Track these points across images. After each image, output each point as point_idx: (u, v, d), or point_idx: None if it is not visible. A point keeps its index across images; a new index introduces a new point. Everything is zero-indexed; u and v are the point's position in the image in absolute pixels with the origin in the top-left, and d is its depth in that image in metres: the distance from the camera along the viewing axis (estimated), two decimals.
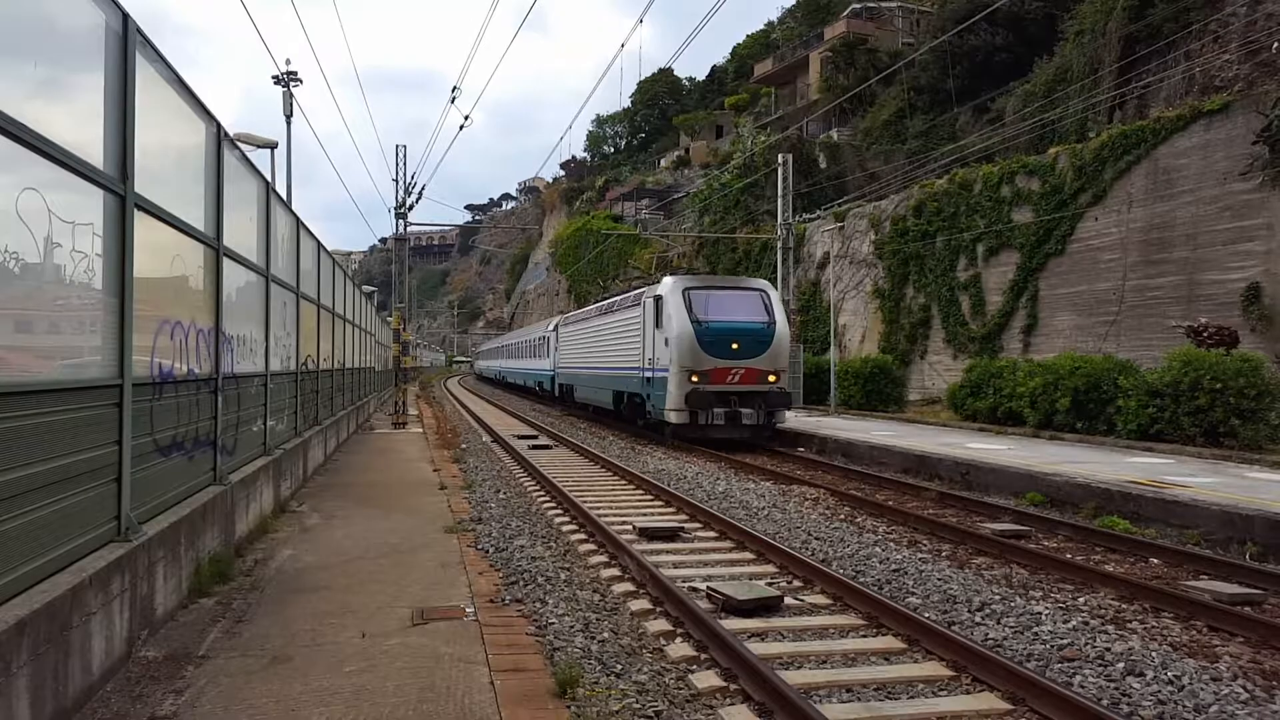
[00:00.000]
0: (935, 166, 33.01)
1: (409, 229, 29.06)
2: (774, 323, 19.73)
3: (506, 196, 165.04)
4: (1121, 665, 5.85)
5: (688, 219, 54.53)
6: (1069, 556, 9.04)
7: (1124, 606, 7.36)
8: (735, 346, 19.25)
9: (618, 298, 26.01)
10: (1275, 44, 22.02)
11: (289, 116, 25.56)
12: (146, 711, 4.64)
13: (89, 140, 5.11)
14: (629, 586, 7.82)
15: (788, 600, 7.31)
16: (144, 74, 5.91)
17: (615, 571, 8.39)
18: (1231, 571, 8.42)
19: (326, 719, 4.57)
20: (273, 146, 21.79)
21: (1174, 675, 5.64)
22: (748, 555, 9.18)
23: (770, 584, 7.80)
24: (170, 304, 6.77)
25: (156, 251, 6.36)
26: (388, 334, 34.85)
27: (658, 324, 20.06)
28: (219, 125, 8.00)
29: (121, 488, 5.47)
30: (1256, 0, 23.64)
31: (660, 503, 12.45)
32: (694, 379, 19.06)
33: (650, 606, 7.17)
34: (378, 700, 4.80)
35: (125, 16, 5.56)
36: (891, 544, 9.65)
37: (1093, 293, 23.41)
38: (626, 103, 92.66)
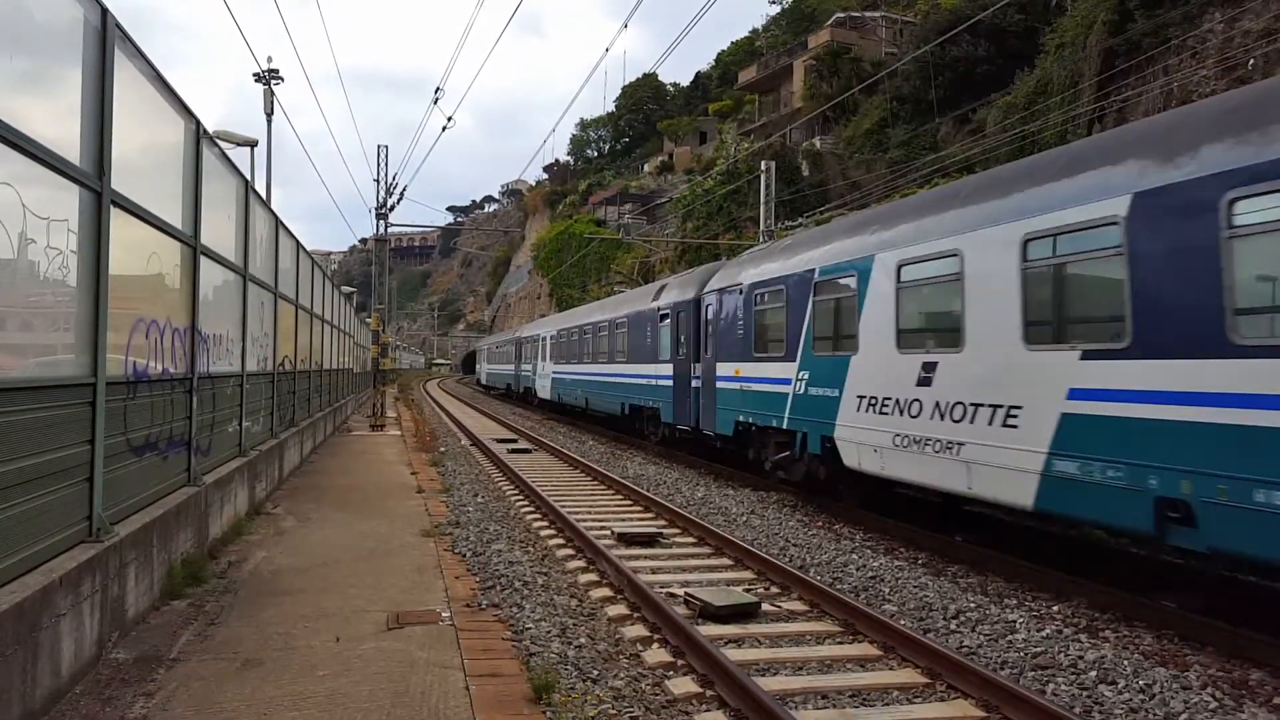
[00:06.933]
0: (917, 176, 33.22)
1: (390, 230, 28.95)
2: None
3: (489, 198, 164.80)
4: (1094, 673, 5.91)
5: (670, 224, 54.59)
6: None
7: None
8: None
9: None
10: (1251, 60, 22.35)
11: (269, 114, 25.36)
12: (116, 714, 4.58)
13: (66, 136, 5.05)
14: (607, 592, 7.80)
15: (765, 606, 7.32)
16: (123, 70, 5.86)
17: (593, 577, 8.37)
18: None
19: None
20: (253, 145, 21.61)
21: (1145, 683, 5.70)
22: (726, 561, 9.18)
23: (748, 590, 7.81)
24: (146, 302, 6.70)
25: (133, 249, 6.30)
26: (367, 335, 34.62)
27: None
28: (198, 122, 7.94)
29: (94, 487, 5.40)
30: (1234, 18, 24.00)
31: (639, 508, 12.43)
32: None
33: (627, 612, 7.16)
34: (350, 705, 4.76)
35: (104, 11, 5.51)
36: (869, 551, 9.68)
37: None
38: (611, 107, 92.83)
